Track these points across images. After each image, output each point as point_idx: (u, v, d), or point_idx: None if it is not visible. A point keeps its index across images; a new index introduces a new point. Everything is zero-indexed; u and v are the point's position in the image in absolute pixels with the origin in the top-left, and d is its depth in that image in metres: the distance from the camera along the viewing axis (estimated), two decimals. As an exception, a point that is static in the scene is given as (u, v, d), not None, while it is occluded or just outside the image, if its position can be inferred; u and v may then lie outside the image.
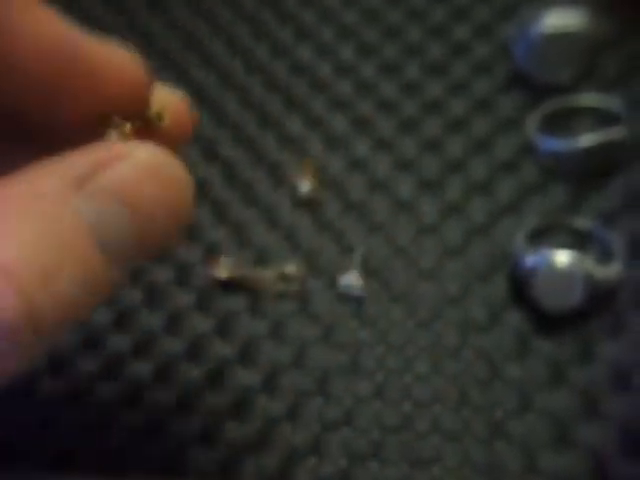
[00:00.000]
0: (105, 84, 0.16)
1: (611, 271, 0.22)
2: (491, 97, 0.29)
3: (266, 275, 0.26)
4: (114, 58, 0.17)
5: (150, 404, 0.24)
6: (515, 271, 0.24)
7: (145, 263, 0.26)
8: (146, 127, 0.17)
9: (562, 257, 0.22)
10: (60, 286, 0.14)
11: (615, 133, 0.25)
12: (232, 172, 0.29)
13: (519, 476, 0.22)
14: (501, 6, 0.31)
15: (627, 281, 0.24)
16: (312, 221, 0.27)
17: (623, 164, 0.26)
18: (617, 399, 0.22)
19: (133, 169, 0.15)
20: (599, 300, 0.23)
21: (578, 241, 0.25)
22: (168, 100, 0.18)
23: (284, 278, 0.26)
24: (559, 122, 0.27)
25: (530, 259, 0.23)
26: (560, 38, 0.26)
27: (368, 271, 0.26)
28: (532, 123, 0.27)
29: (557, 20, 0.26)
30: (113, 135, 0.17)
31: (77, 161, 0.15)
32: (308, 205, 0.28)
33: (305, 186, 0.27)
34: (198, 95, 0.31)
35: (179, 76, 0.31)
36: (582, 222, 0.25)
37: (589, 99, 0.27)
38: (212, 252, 0.27)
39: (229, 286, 0.26)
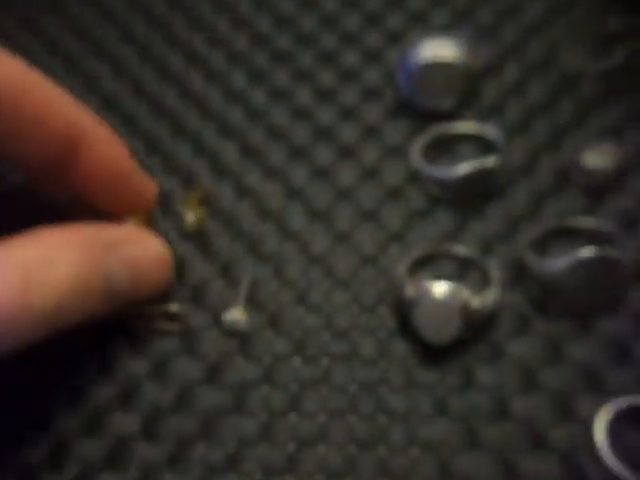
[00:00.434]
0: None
1: (488, 299, 0.23)
2: (379, 124, 0.29)
3: (147, 312, 0.25)
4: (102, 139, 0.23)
5: (22, 454, 0.22)
6: (399, 303, 0.24)
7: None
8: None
9: (439, 288, 0.22)
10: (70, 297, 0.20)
11: (490, 162, 0.25)
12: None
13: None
14: (389, 32, 0.31)
15: (504, 308, 0.24)
16: (199, 253, 0.26)
17: (499, 191, 0.27)
18: (495, 427, 0.22)
19: (145, 252, 0.23)
20: (478, 329, 0.23)
21: (459, 269, 0.25)
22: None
23: (167, 316, 0.25)
24: (441, 149, 0.28)
25: (410, 290, 0.23)
26: (436, 68, 0.26)
27: (254, 304, 0.25)
28: (415, 150, 0.27)
29: (433, 51, 0.26)
30: (130, 222, 0.25)
31: (113, 232, 0.23)
32: (195, 236, 0.27)
33: (191, 217, 0.26)
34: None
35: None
36: (463, 249, 0.25)
37: (468, 127, 0.27)
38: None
39: (108, 324, 0.25)
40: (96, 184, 0.23)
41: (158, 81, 0.31)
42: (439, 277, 0.25)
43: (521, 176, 0.27)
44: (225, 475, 0.22)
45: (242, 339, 0.24)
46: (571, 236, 0.25)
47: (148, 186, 0.25)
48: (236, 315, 0.24)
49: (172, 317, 0.25)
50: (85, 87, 0.31)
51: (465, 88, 0.27)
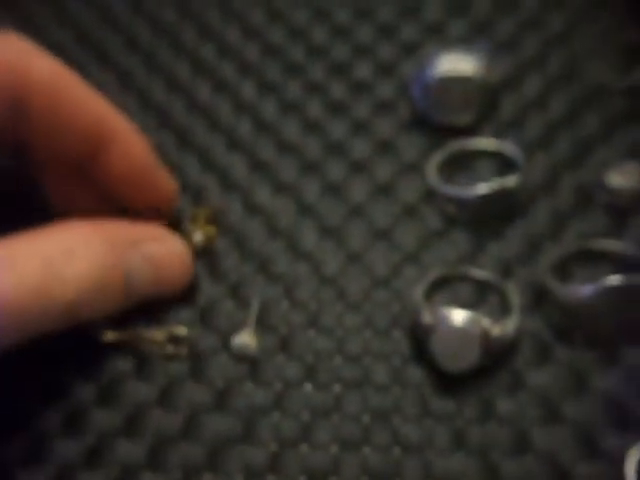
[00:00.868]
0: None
1: (508, 327, 0.22)
2: (393, 139, 0.28)
3: (154, 336, 0.24)
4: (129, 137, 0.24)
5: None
6: (414, 328, 0.23)
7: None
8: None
9: (458, 315, 0.21)
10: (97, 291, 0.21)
11: (510, 181, 0.24)
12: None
13: None
14: (404, 44, 0.30)
15: (524, 335, 0.23)
16: (207, 272, 0.26)
17: (519, 211, 0.26)
18: (515, 461, 0.21)
19: (167, 251, 0.24)
20: (497, 357, 0.22)
21: (477, 293, 0.24)
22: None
23: (173, 340, 0.24)
24: (458, 166, 0.27)
25: (427, 317, 0.22)
26: (454, 82, 0.25)
27: (264, 327, 0.24)
28: (432, 167, 0.26)
29: (450, 64, 0.25)
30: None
31: (136, 229, 0.23)
32: (203, 255, 0.26)
33: (199, 236, 0.26)
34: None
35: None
36: (481, 273, 0.24)
37: (487, 143, 0.26)
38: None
39: (114, 348, 0.24)
40: (122, 179, 0.24)
41: (165, 92, 0.30)
42: (456, 301, 0.24)
43: (542, 195, 0.26)
44: (233, 508, 0.21)
45: (252, 363, 0.24)
46: (594, 259, 0.24)
47: (170, 182, 0.25)
48: (245, 339, 0.23)
49: (180, 340, 0.24)
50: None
51: (483, 103, 0.26)
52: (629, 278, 0.21)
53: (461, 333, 0.21)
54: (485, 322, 0.21)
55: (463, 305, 0.24)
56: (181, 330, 0.24)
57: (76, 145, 0.23)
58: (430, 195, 0.27)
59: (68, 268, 0.20)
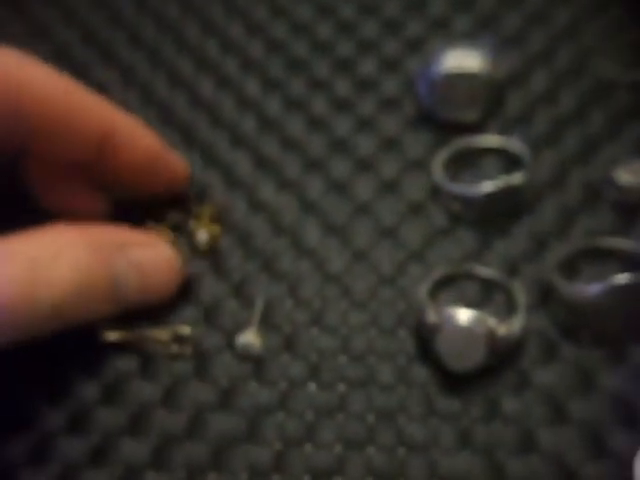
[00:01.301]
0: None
1: (514, 327, 0.22)
2: (398, 136, 0.28)
3: (158, 335, 0.24)
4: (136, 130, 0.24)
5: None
6: (419, 327, 0.23)
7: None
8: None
9: (464, 315, 0.21)
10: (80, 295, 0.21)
11: (516, 179, 0.24)
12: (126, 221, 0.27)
13: None
14: (409, 40, 0.30)
15: (530, 333, 0.23)
16: (211, 271, 0.25)
17: (525, 209, 0.25)
18: (521, 461, 0.21)
19: (154, 256, 0.23)
20: (503, 357, 0.22)
21: (483, 291, 0.24)
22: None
23: (177, 339, 0.24)
24: (464, 164, 0.27)
25: (432, 316, 0.22)
26: (459, 79, 0.25)
27: (268, 325, 0.24)
28: (437, 164, 0.26)
29: (457, 61, 0.25)
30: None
31: (124, 234, 0.23)
32: (207, 254, 0.26)
33: (203, 235, 0.26)
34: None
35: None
36: (487, 271, 0.24)
37: (493, 140, 0.26)
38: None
39: (118, 347, 0.24)
40: (132, 170, 0.24)
41: (168, 87, 0.30)
42: (461, 300, 0.23)
43: (549, 192, 0.26)
44: (237, 507, 0.21)
45: (256, 363, 0.23)
46: (602, 257, 0.24)
47: (181, 164, 0.26)
48: (250, 338, 0.23)
49: (184, 340, 0.24)
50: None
51: (489, 99, 0.26)
52: (637, 276, 0.21)
53: (466, 332, 0.21)
54: (491, 321, 0.21)
55: (468, 304, 0.24)
56: (185, 329, 0.24)
57: (79, 147, 0.23)
58: (435, 193, 0.26)
59: (54, 271, 0.20)
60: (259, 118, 0.29)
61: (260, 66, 0.30)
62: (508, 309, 0.24)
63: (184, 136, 0.28)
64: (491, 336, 0.21)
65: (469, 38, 0.29)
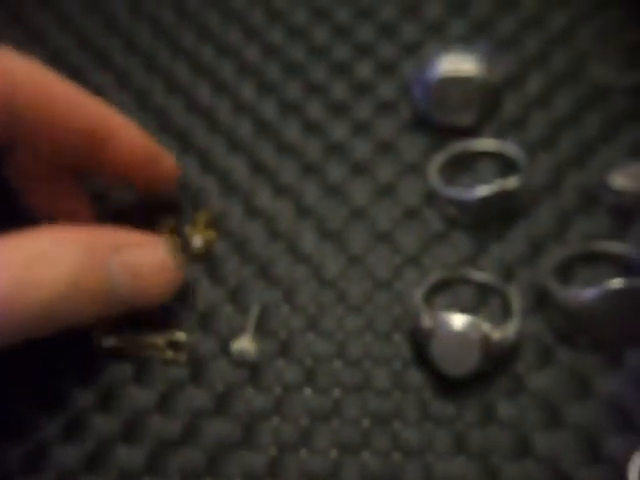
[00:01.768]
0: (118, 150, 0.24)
1: (509, 331, 0.22)
2: (394, 139, 0.28)
3: (153, 341, 0.24)
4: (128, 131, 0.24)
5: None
6: (415, 332, 0.23)
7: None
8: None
9: (458, 320, 0.21)
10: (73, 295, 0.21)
11: (511, 183, 0.24)
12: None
13: None
14: (405, 43, 0.30)
15: (526, 338, 0.23)
16: (207, 276, 0.25)
17: (521, 213, 0.25)
18: (516, 465, 0.21)
19: (149, 258, 0.23)
20: (498, 361, 0.22)
21: (478, 295, 0.24)
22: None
23: (173, 345, 0.24)
24: (460, 168, 0.27)
25: (427, 321, 0.22)
26: (455, 83, 0.25)
27: (264, 331, 0.24)
28: (433, 169, 0.26)
29: (451, 64, 0.25)
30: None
31: (119, 235, 0.23)
32: (202, 259, 0.26)
33: (198, 240, 0.26)
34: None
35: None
36: (482, 275, 0.24)
37: (488, 144, 0.26)
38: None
39: (113, 354, 0.24)
40: (124, 167, 0.24)
41: (164, 93, 0.30)
42: (457, 304, 0.23)
43: (544, 196, 0.26)
44: (232, 513, 0.21)
45: (251, 368, 0.23)
46: (597, 261, 0.24)
47: (169, 159, 0.26)
48: (245, 344, 0.23)
49: (179, 346, 0.24)
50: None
51: (485, 103, 0.26)
52: (632, 281, 0.21)
53: (461, 338, 0.21)
54: (485, 326, 0.21)
55: (464, 308, 0.24)
56: (180, 336, 0.24)
57: (71, 147, 0.23)
58: (431, 197, 0.26)
59: (44, 271, 0.20)
60: (255, 123, 0.29)
61: (256, 70, 0.30)
62: (503, 314, 0.24)
63: (180, 141, 0.28)
64: (485, 341, 0.21)
65: (464, 42, 0.29)
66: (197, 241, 0.25)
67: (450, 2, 0.31)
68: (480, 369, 0.21)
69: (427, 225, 0.26)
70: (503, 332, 0.21)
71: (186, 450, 0.22)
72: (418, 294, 0.23)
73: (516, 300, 0.23)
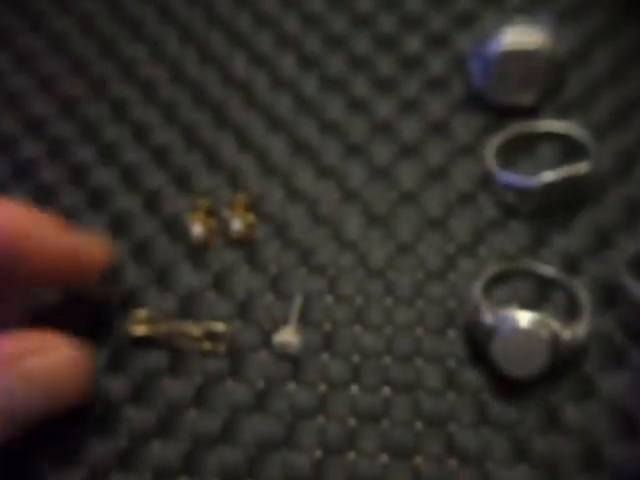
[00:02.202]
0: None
1: (578, 330, 0.20)
2: (445, 119, 0.26)
3: (189, 331, 0.22)
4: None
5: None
6: (473, 328, 0.21)
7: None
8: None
9: (524, 317, 0.19)
10: None
11: (581, 168, 0.22)
12: (156, 206, 0.25)
13: None
14: (457, 14, 0.28)
15: (594, 337, 0.21)
16: (246, 263, 0.24)
17: (587, 201, 0.23)
18: (585, 476, 0.20)
19: (53, 361, 0.20)
20: (565, 362, 0.20)
21: (540, 290, 0.22)
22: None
23: (210, 336, 0.22)
24: (519, 150, 0.25)
25: (488, 317, 0.20)
26: (518, 57, 0.23)
27: (307, 323, 0.23)
28: (490, 152, 0.24)
29: (516, 37, 0.23)
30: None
31: (18, 344, 0.20)
32: (242, 244, 0.24)
33: (237, 223, 0.24)
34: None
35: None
36: (545, 268, 0.22)
37: (551, 125, 0.24)
38: (132, 299, 0.23)
39: (147, 343, 0.22)
40: (49, 270, 0.22)
41: (199, 64, 0.28)
42: (515, 299, 0.22)
43: (614, 182, 0.24)
44: (274, 517, 0.20)
45: (294, 362, 0.22)
46: (673, 254, 0.22)
47: (98, 255, 0.23)
48: (288, 336, 0.22)
49: (217, 337, 0.22)
50: (123, 72, 0.28)
51: (549, 80, 0.24)
52: None
53: (528, 336, 0.19)
54: (555, 324, 0.19)
55: (524, 304, 0.22)
56: (219, 326, 0.22)
57: None
58: (487, 181, 0.24)
59: None
60: (295, 99, 0.27)
61: (296, 42, 0.28)
62: (568, 310, 0.22)
63: (216, 116, 0.27)
64: (555, 340, 0.19)
65: (524, 14, 0.27)
66: (236, 225, 0.24)
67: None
68: (545, 370, 0.20)
69: (482, 212, 0.24)
70: (573, 331, 0.20)
71: (225, 448, 0.21)
72: (477, 287, 0.21)
73: (584, 296, 0.21)
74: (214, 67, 0.28)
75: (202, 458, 0.21)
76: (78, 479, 0.20)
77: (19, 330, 0.21)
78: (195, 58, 0.28)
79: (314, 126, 0.26)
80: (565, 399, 0.20)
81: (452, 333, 0.22)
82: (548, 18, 0.26)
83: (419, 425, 0.21)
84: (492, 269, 0.22)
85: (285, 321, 0.22)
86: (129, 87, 0.27)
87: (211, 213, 0.24)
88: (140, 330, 0.22)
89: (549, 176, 0.22)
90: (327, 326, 0.22)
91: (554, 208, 0.23)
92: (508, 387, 0.21)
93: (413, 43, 0.28)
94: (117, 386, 0.22)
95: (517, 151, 0.24)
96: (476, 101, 0.26)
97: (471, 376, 0.21)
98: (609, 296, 0.22)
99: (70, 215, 0.25)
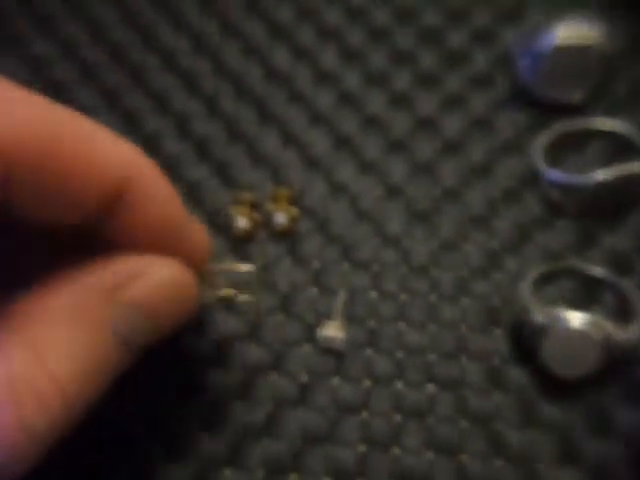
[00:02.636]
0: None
1: (632, 332, 0.20)
2: (490, 116, 0.26)
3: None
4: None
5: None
6: (520, 327, 0.21)
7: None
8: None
9: (577, 319, 0.19)
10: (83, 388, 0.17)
11: (636, 167, 0.22)
12: (198, 198, 0.25)
13: None
14: (503, 9, 0.27)
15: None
16: (289, 256, 0.24)
17: (636, 201, 0.23)
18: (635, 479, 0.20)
19: (156, 284, 0.19)
20: (616, 364, 0.20)
21: (589, 291, 0.22)
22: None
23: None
24: (567, 149, 0.24)
25: (539, 316, 0.20)
26: (572, 52, 0.23)
27: (350, 318, 0.23)
28: (537, 149, 0.24)
29: (569, 32, 0.22)
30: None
31: (107, 274, 0.18)
32: (285, 238, 0.24)
33: (281, 217, 0.24)
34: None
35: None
36: (593, 269, 0.22)
37: (601, 123, 0.24)
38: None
39: (191, 338, 0.22)
40: (142, 237, 0.19)
41: (239, 57, 0.28)
42: (562, 299, 0.22)
43: (662, 183, 0.24)
44: (318, 511, 0.20)
45: (338, 357, 0.22)
46: None
47: (202, 240, 0.21)
48: (333, 331, 0.22)
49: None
50: (165, 64, 0.28)
51: (600, 77, 0.24)
52: None
53: (581, 337, 0.19)
54: (608, 326, 0.19)
55: (572, 304, 0.22)
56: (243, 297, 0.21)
57: (72, 207, 0.18)
58: (532, 180, 0.24)
59: (52, 364, 0.17)
60: (337, 93, 0.27)
61: (338, 35, 0.28)
62: (618, 311, 0.22)
63: (258, 110, 0.27)
64: (607, 342, 0.19)
65: (572, 7, 0.27)
66: (280, 218, 0.24)
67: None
68: (595, 372, 0.20)
69: (527, 210, 0.24)
70: (627, 332, 0.19)
71: (269, 441, 0.21)
72: (525, 286, 0.21)
73: (636, 296, 0.21)
74: (256, 60, 0.28)
75: (247, 450, 0.21)
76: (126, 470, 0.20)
77: (115, 255, 0.19)
78: (237, 50, 0.28)
79: (356, 121, 0.26)
80: (615, 402, 0.20)
81: (496, 331, 0.22)
82: (597, 12, 0.25)
83: (464, 423, 0.21)
84: (539, 268, 0.22)
85: (328, 316, 0.22)
86: (171, 78, 0.27)
87: (254, 206, 0.24)
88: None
89: (602, 174, 0.22)
90: (371, 322, 0.22)
91: (603, 207, 0.23)
92: (555, 387, 0.21)
93: (456, 37, 0.27)
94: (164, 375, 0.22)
95: (565, 149, 0.24)
96: (521, 98, 0.25)
97: (516, 375, 0.21)
98: (659, 298, 0.22)
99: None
